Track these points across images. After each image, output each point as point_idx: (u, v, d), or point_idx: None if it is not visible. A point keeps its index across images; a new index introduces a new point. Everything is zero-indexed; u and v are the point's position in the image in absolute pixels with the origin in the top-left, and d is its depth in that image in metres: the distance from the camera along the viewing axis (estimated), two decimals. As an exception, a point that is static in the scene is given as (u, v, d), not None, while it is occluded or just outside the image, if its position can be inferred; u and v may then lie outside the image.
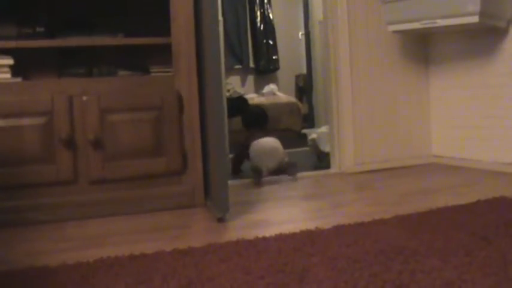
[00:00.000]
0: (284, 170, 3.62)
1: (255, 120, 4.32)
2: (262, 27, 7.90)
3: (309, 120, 6.75)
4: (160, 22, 2.85)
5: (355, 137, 3.74)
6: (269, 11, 7.95)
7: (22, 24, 2.76)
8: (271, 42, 7.96)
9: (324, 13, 3.86)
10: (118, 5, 2.97)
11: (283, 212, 2.63)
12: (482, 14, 3.08)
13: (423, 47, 3.96)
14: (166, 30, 2.80)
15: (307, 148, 4.72)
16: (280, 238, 2.06)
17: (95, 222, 2.57)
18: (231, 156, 4.20)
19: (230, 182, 3.21)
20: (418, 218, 2.27)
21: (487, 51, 3.48)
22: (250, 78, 8.15)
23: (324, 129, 4.30)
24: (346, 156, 3.73)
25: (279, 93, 7.52)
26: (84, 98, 2.67)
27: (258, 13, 7.87)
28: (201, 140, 2.83)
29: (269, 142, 3.70)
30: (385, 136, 3.83)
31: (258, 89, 7.94)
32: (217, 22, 2.48)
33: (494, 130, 3.46)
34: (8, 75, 2.65)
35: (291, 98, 7.31)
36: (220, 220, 2.47)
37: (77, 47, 2.89)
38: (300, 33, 7.84)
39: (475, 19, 3.10)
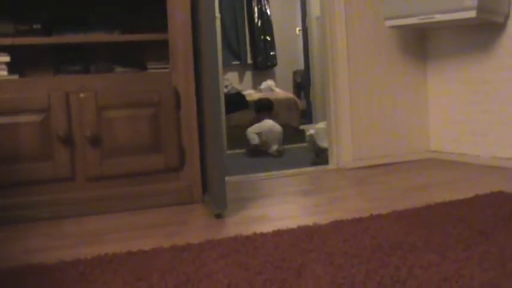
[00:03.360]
0: (268, 149, 5.10)
1: (264, 106, 5.80)
2: (259, 23, 7.88)
3: (307, 116, 6.73)
4: (157, 18, 2.84)
5: (353, 133, 3.74)
6: (266, 7, 7.94)
7: (19, 21, 2.75)
8: (268, 38, 7.95)
9: (321, 9, 3.85)
10: (115, 1, 2.96)
11: (280, 208, 2.63)
12: (479, 8, 3.08)
13: (421, 42, 3.95)
14: (163, 27, 2.79)
15: (305, 144, 4.72)
16: (278, 234, 2.06)
17: (93, 219, 2.57)
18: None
19: (228, 178, 3.21)
20: (416, 213, 2.28)
21: (485, 46, 3.47)
22: (248, 74, 8.15)
23: (321, 125, 4.29)
24: (344, 152, 3.73)
25: (276, 89, 7.51)
26: (81, 94, 2.66)
27: (256, 9, 7.86)
28: (199, 136, 2.82)
29: (268, 123, 5.34)
30: (383, 131, 3.83)
31: (255, 85, 7.93)
32: (215, 18, 2.48)
33: (492, 125, 3.46)
34: (5, 73, 2.63)
35: (288, 94, 7.30)
36: (218, 216, 2.47)
37: (74, 43, 2.88)
38: (298, 29, 7.82)
39: (472, 14, 3.09)
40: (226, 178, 2.61)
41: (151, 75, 2.83)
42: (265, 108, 5.76)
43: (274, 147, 5.02)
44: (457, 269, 1.56)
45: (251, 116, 5.98)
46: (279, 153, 4.96)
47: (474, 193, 2.59)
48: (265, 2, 7.92)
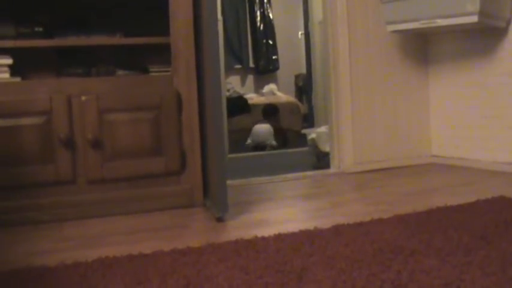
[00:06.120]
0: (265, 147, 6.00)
1: (270, 111, 6.56)
2: (262, 27, 7.90)
3: (309, 120, 6.75)
4: (160, 21, 2.84)
5: (355, 137, 3.74)
6: (269, 10, 7.95)
7: (20, 24, 2.75)
8: (271, 42, 7.96)
9: (324, 13, 3.85)
10: (117, 4, 2.96)
11: (282, 212, 2.63)
12: (481, 13, 3.08)
13: (422, 47, 3.95)
14: (165, 30, 2.79)
15: (306, 148, 4.72)
16: (279, 238, 2.06)
17: (94, 222, 2.57)
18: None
19: (229, 182, 3.21)
20: (417, 217, 2.27)
21: (486, 51, 3.47)
22: (250, 78, 8.16)
23: (323, 129, 4.29)
24: (346, 156, 3.73)
25: (278, 93, 7.52)
26: (83, 97, 2.66)
27: (258, 13, 7.88)
28: (200, 140, 2.82)
29: (262, 126, 6.15)
30: (385, 136, 3.83)
31: (257, 88, 7.95)
32: (217, 21, 2.48)
33: (493, 130, 3.46)
34: (7, 75, 2.64)
35: (290, 98, 7.32)
36: (219, 220, 2.47)
37: (76, 46, 2.88)
38: (300, 33, 7.83)
39: (474, 19, 3.09)
40: (228, 182, 2.61)
41: (153, 78, 2.83)
42: (270, 113, 6.57)
43: (267, 143, 6.11)
44: (458, 273, 1.56)
45: (253, 120, 6.36)
46: (269, 146, 6.08)
47: (475, 198, 2.58)
48: (268, 5, 7.94)
